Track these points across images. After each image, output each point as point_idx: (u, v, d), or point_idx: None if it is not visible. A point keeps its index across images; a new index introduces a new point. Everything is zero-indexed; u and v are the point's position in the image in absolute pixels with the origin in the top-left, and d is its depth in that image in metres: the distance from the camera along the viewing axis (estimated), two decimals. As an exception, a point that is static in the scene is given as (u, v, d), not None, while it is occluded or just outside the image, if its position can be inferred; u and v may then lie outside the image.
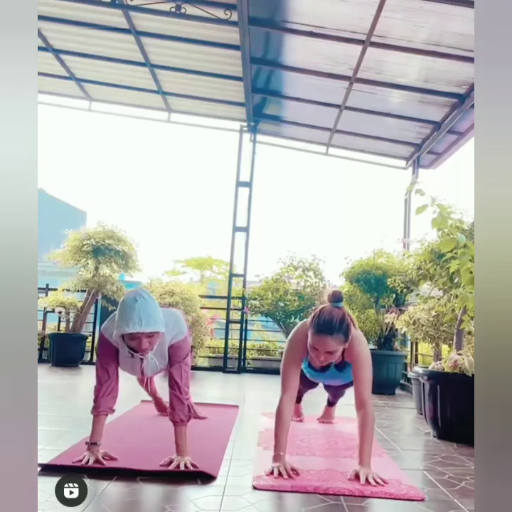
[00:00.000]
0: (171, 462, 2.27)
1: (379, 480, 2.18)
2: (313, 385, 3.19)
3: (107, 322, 2.42)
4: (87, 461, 2.24)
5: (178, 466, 2.23)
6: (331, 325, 2.31)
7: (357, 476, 2.22)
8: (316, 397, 3.87)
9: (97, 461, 2.25)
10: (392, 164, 8.50)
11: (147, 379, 3.22)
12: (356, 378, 2.44)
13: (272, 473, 2.23)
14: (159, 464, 2.27)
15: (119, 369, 2.49)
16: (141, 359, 2.41)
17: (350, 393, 5.43)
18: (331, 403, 3.61)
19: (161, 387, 3.32)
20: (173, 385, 2.39)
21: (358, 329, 2.53)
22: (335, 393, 3.43)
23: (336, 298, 2.42)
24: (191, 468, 2.23)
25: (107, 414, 2.40)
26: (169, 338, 2.42)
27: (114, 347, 2.39)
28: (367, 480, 2.18)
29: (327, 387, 3.29)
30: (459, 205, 3.68)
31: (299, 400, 3.61)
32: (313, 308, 2.58)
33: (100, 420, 2.38)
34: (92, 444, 2.33)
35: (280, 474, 2.21)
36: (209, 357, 8.20)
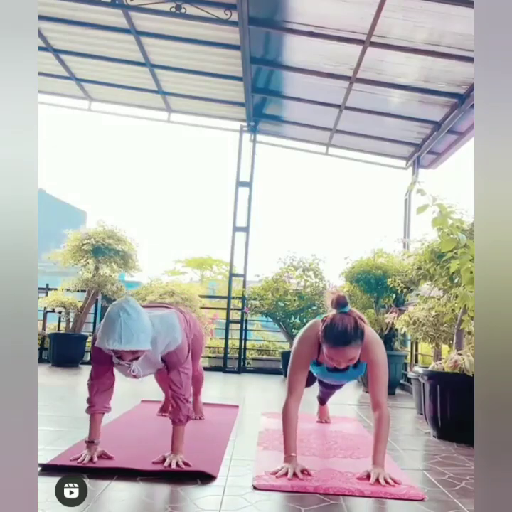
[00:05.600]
0: (163, 460, 2.28)
1: (390, 480, 2.18)
2: (336, 386, 3.18)
3: (99, 326, 2.35)
4: (84, 459, 2.25)
5: (169, 464, 2.24)
6: (346, 335, 2.22)
7: (368, 476, 2.22)
8: (315, 397, 3.87)
9: (91, 459, 2.25)
10: (392, 164, 8.51)
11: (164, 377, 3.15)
12: (372, 380, 2.39)
13: (285, 474, 2.22)
14: (152, 461, 2.29)
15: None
16: (129, 365, 2.32)
17: (349, 393, 5.42)
18: (322, 401, 3.62)
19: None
20: (174, 389, 2.37)
21: (369, 326, 2.44)
22: (330, 391, 3.43)
23: (341, 304, 2.31)
24: (183, 466, 2.24)
25: (102, 413, 2.40)
26: (162, 347, 2.33)
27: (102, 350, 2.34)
28: (377, 480, 2.18)
29: (324, 384, 3.24)
30: (459, 205, 3.68)
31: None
32: (323, 317, 2.38)
33: (96, 419, 2.37)
34: (89, 442, 2.34)
35: (295, 475, 2.21)
36: (209, 357, 8.21)
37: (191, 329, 2.67)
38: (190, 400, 2.44)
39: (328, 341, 2.25)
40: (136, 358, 2.22)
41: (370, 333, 2.41)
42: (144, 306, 2.45)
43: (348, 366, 2.45)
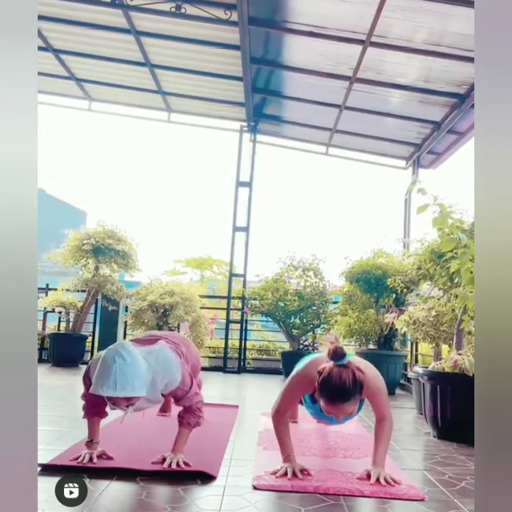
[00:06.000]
0: (163, 460, 2.28)
1: (390, 480, 2.18)
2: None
3: (94, 359, 2.30)
4: (83, 459, 2.25)
5: (170, 464, 2.24)
6: (344, 391, 2.10)
7: (368, 475, 2.22)
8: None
9: (91, 459, 2.26)
10: (392, 164, 8.51)
11: None
12: (375, 406, 2.37)
13: (285, 474, 2.22)
14: (151, 461, 2.29)
15: None
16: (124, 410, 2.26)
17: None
18: None
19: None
20: (187, 406, 2.38)
21: (366, 368, 2.33)
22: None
23: (339, 355, 2.17)
24: (183, 466, 2.24)
25: (99, 417, 2.41)
26: (161, 386, 2.29)
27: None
28: (377, 480, 2.18)
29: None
30: (459, 205, 3.68)
31: None
32: (318, 369, 2.20)
33: (94, 421, 2.39)
34: (88, 442, 2.35)
35: (294, 475, 2.21)
36: (209, 357, 8.21)
37: (188, 361, 2.59)
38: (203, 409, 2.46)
39: (325, 396, 2.14)
40: (132, 404, 2.16)
41: (368, 371, 2.29)
42: (132, 340, 2.44)
43: None
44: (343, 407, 2.13)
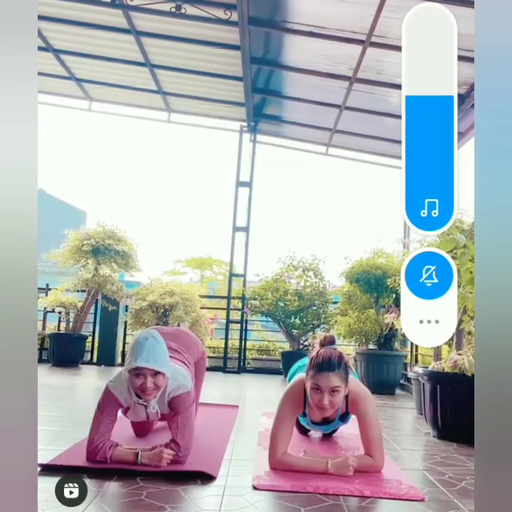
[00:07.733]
0: (153, 448, 2.28)
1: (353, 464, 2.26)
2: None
3: (115, 378, 2.41)
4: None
5: (159, 456, 2.23)
6: (330, 362, 2.31)
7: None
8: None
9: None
10: (392, 164, 8.51)
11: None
12: (364, 437, 2.40)
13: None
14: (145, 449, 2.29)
15: None
16: (146, 407, 2.38)
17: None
18: None
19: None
20: (175, 434, 2.35)
21: (360, 384, 2.55)
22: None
23: (329, 341, 2.47)
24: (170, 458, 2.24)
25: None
26: (169, 390, 2.38)
27: (117, 402, 2.38)
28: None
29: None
30: (459, 205, 3.67)
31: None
32: (310, 349, 2.56)
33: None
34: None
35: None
36: (209, 357, 8.18)
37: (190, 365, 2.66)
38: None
39: (313, 368, 2.32)
40: (157, 388, 2.28)
41: (358, 386, 2.48)
42: None
43: (333, 418, 2.50)
44: (329, 376, 2.27)
